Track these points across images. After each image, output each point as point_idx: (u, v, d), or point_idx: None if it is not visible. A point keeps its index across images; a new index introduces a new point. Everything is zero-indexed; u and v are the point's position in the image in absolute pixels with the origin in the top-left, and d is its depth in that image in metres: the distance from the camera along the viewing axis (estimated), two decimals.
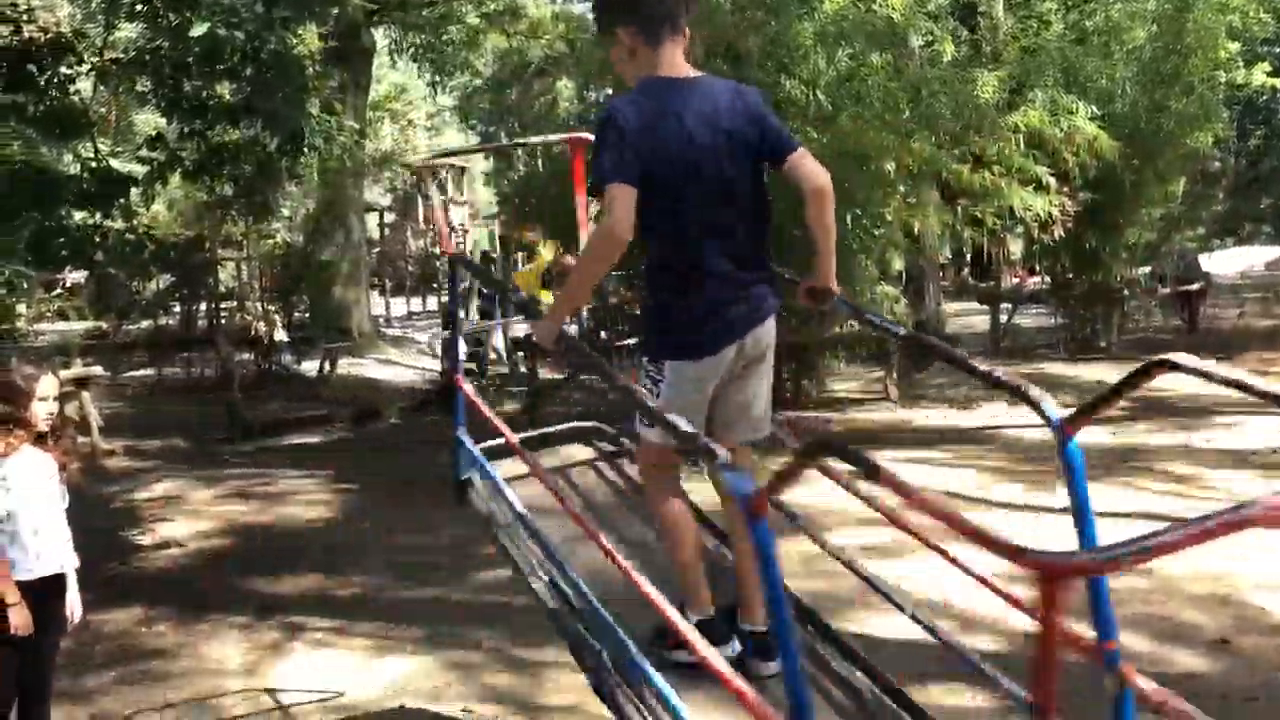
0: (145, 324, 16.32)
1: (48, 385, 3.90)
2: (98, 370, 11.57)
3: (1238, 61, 13.97)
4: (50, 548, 3.86)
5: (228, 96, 8.11)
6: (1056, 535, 5.51)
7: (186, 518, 8.04)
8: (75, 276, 13.92)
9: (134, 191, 8.22)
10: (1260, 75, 14.57)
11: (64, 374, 8.69)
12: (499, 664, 5.05)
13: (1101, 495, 7.11)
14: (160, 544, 7.38)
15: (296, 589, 6.36)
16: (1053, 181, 10.98)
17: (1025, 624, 2.40)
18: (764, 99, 2.77)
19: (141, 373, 15.06)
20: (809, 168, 2.66)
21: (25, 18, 8.15)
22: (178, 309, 16.97)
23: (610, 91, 14.54)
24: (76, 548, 4.00)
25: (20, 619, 3.69)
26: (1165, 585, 5.47)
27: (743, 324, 2.65)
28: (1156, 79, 13.65)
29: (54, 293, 15.05)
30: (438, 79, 23.11)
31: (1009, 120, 11.10)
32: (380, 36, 21.49)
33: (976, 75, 10.81)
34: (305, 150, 8.25)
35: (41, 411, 3.87)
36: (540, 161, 13.40)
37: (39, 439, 3.89)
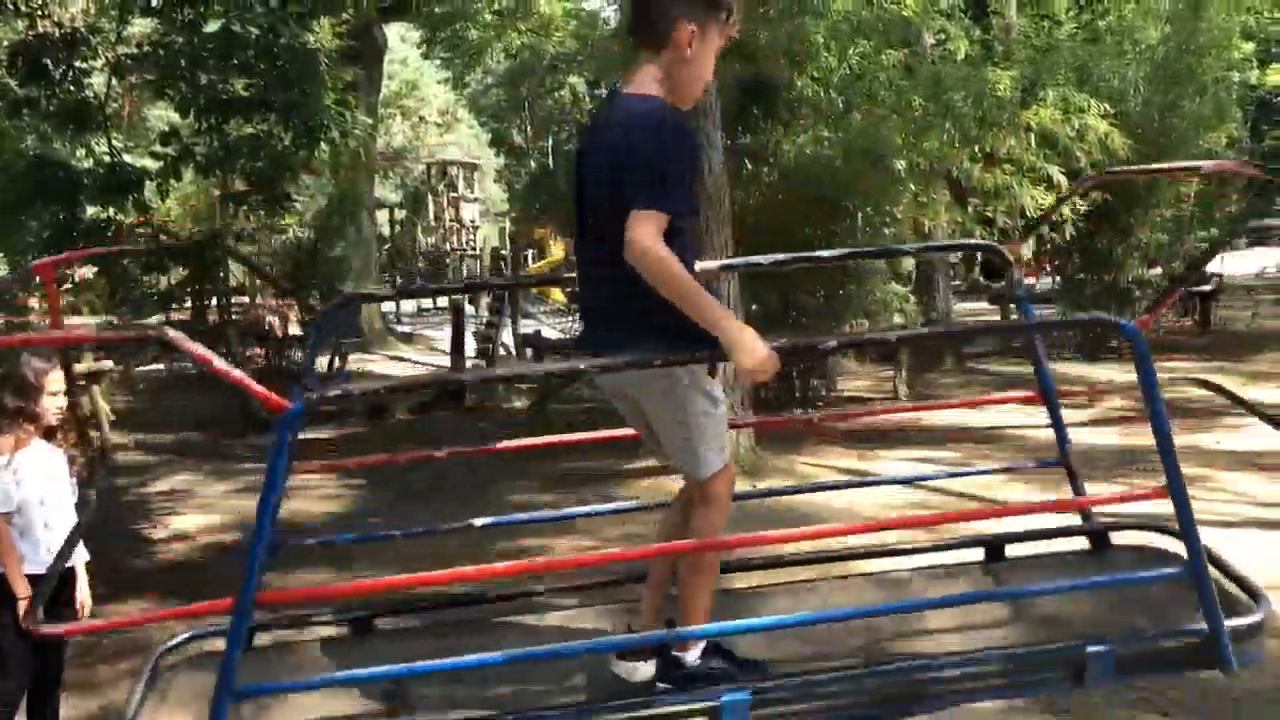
0: (157, 318, 16.38)
1: (58, 379, 3.92)
2: (109, 364, 11.64)
3: (1252, 61, 13.91)
4: (60, 541, 3.87)
5: (242, 91, 8.13)
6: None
7: (197, 511, 8.08)
8: (86, 271, 13.96)
9: (148, 186, 8.24)
10: (1275, 75, 14.50)
11: (75, 368, 8.75)
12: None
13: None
14: (171, 537, 7.43)
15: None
16: (1064, 180, 10.93)
17: None
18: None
19: (153, 367, 15.13)
20: None
21: (40, 12, 8.19)
22: (189, 303, 17.05)
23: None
24: (87, 541, 4.02)
25: None
26: None
27: None
28: (1169, 79, 13.59)
29: (64, 286, 15.11)
30: (461, 74, 23.12)
31: (1021, 117, 11.07)
32: (393, 35, 21.52)
33: (989, 74, 10.79)
34: (320, 143, 8.25)
35: (52, 405, 3.90)
36: (551, 160, 13.39)
37: (49, 433, 3.91)
